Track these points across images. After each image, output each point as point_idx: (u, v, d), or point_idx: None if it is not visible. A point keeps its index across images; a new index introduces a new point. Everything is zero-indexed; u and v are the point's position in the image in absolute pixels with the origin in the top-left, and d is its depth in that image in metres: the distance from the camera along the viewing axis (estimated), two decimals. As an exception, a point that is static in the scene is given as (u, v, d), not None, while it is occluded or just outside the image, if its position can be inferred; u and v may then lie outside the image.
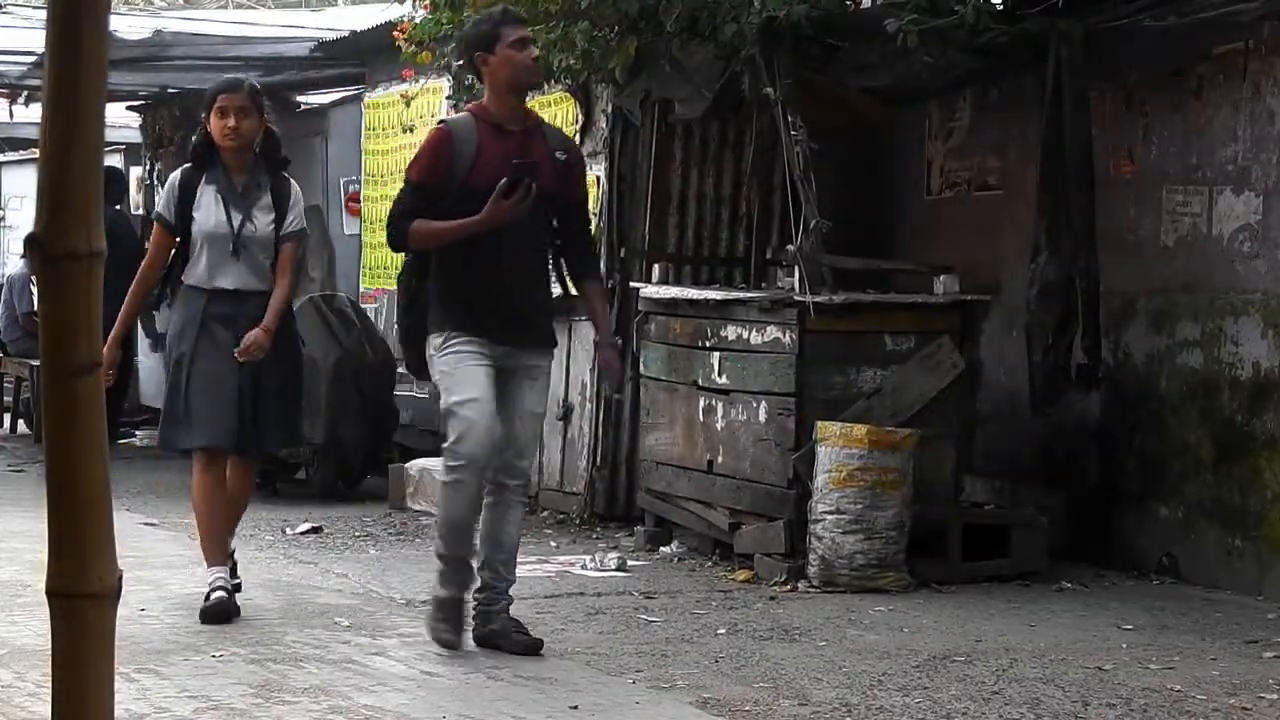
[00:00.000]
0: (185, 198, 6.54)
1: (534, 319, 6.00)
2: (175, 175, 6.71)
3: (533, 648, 5.85)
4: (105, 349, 6.27)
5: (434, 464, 9.90)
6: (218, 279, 6.51)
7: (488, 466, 5.80)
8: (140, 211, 16.09)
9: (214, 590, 6.37)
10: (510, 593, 6.02)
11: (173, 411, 6.50)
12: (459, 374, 5.81)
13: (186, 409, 6.43)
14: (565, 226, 6.08)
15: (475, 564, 5.94)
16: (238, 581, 6.61)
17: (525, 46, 5.95)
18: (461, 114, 6.19)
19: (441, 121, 6.27)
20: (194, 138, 6.75)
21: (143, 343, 13.85)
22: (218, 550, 6.47)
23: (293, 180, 6.80)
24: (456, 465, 5.76)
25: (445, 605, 5.91)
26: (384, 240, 6.28)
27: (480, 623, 5.95)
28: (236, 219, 6.50)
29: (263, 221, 6.54)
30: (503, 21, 5.98)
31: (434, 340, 5.92)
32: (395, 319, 6.95)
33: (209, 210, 6.52)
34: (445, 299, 5.93)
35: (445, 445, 5.82)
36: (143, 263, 6.68)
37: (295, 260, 6.72)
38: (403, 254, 6.22)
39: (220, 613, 6.31)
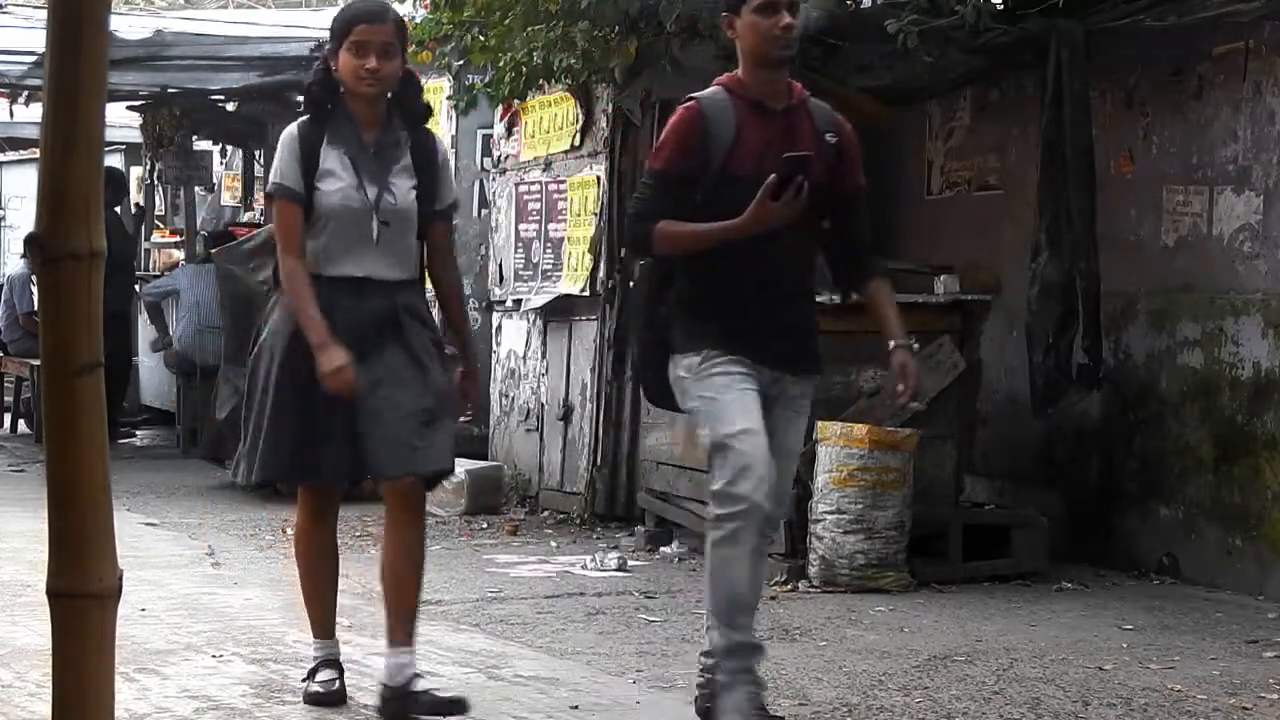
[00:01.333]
0: (309, 160, 4.97)
1: (803, 338, 4.99)
2: (291, 131, 5.03)
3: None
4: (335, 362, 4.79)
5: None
6: (341, 264, 4.95)
7: (764, 516, 4.76)
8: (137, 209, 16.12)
9: (320, 668, 5.18)
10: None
11: (266, 437, 5.01)
12: (727, 400, 4.78)
13: (283, 435, 4.98)
14: (841, 221, 5.05)
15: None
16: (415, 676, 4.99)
17: (775, 12, 4.85)
18: (712, 88, 5.01)
19: (691, 97, 5.02)
20: (309, 80, 5.14)
21: (144, 342, 13.84)
22: (325, 623, 5.20)
23: (435, 134, 5.28)
24: (734, 513, 4.70)
25: (753, 700, 4.79)
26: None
27: (709, 692, 4.84)
28: (372, 191, 4.96)
29: (403, 189, 4.99)
30: None
31: (686, 361, 4.87)
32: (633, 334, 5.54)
33: (336, 178, 4.96)
34: (699, 312, 4.89)
35: (715, 488, 4.76)
36: (282, 257, 4.97)
37: (452, 244, 5.23)
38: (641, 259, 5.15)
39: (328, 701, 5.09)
